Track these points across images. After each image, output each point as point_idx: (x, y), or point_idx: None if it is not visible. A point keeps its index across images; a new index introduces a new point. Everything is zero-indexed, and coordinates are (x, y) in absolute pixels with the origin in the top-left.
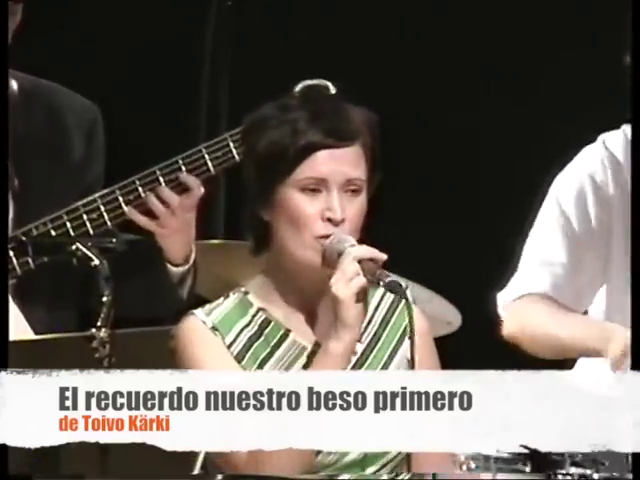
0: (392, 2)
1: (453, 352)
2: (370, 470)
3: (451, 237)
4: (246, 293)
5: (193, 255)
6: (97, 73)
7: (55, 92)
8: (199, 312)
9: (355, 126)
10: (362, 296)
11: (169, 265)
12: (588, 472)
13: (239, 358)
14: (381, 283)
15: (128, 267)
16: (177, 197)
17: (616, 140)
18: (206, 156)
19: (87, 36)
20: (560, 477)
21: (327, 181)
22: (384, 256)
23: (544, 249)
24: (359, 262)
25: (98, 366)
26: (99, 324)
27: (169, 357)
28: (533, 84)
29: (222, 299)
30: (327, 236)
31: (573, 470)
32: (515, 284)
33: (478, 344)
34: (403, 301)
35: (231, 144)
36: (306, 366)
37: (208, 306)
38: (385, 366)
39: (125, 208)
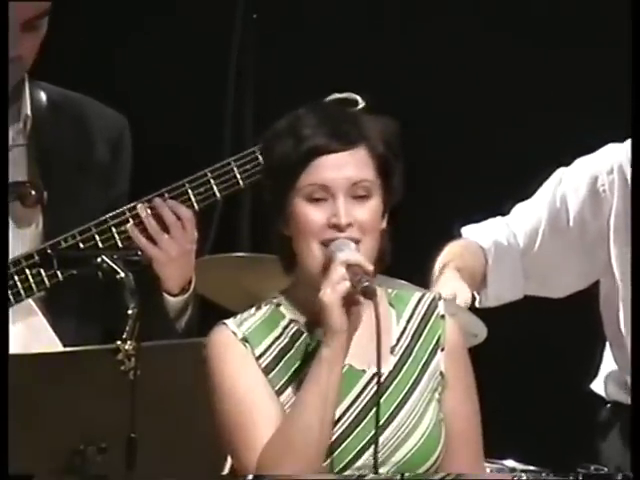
0: (419, 15)
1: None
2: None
3: None
4: (278, 305)
5: (193, 285)
6: (125, 85)
7: (83, 104)
8: (230, 322)
9: (361, 130)
10: (350, 302)
11: (167, 295)
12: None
13: (268, 370)
14: (358, 287)
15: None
16: (179, 223)
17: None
18: (235, 169)
19: (113, 48)
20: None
21: (330, 188)
22: (371, 267)
23: (518, 215)
24: (348, 267)
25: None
26: (124, 337)
27: (194, 369)
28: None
29: (254, 310)
30: (333, 241)
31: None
32: (469, 230)
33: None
34: (436, 312)
35: (260, 157)
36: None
37: (240, 316)
38: (417, 379)
39: (128, 226)
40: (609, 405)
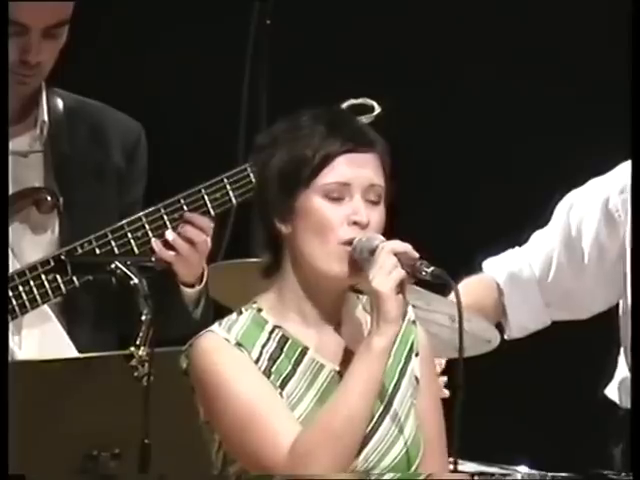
0: (434, 20)
1: None
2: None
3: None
4: (259, 310)
5: (205, 275)
6: (139, 91)
7: (100, 111)
8: (218, 329)
9: (372, 136)
10: (402, 289)
11: (183, 287)
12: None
13: (265, 375)
14: (423, 273)
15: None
16: (204, 236)
17: None
18: (251, 175)
19: (128, 53)
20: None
21: (350, 186)
22: (417, 254)
23: (533, 244)
24: (395, 255)
25: (137, 385)
26: (138, 342)
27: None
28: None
29: (235, 315)
30: (352, 241)
31: None
32: (489, 264)
33: None
34: (407, 318)
35: None
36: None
37: (225, 322)
38: (397, 384)
39: (152, 240)
40: (623, 411)
